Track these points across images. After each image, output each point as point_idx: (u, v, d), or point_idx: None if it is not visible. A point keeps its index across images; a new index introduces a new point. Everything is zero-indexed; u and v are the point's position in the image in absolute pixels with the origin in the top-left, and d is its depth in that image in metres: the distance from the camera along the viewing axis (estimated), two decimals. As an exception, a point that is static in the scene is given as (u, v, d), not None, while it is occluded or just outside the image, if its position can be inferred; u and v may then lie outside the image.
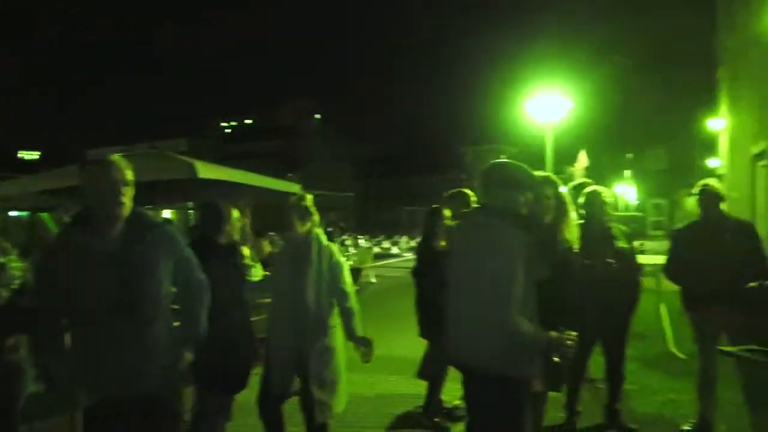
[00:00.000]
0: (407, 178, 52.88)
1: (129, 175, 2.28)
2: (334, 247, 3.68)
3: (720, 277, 3.95)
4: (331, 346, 3.55)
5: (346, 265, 3.73)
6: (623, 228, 4.42)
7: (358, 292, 8.52)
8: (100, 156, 2.41)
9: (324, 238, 3.64)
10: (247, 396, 3.59)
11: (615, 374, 4.40)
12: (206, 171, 6.31)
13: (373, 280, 13.67)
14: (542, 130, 9.51)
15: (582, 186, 4.68)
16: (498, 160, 2.83)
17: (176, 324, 2.48)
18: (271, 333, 3.65)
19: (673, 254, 4.35)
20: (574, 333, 2.53)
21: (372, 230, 34.58)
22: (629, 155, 39.85)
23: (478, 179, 2.75)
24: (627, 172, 40.08)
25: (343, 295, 3.58)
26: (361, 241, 25.77)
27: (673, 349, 6.37)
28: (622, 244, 4.23)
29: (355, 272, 8.82)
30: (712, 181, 4.29)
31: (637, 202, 37.72)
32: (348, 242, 24.33)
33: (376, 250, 22.97)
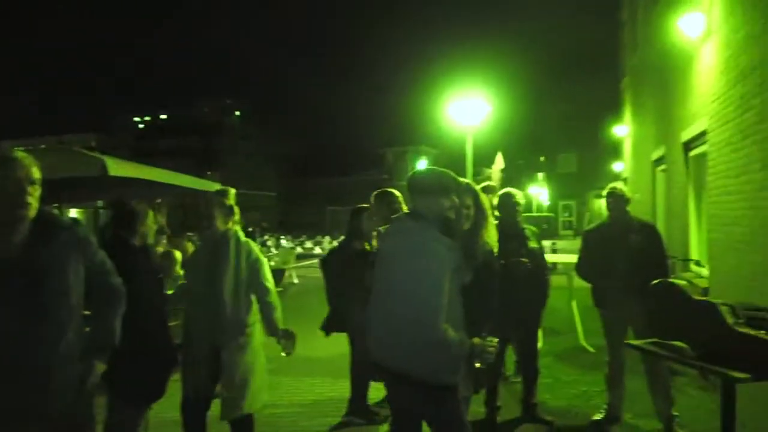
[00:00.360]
0: (330, 177, 52.74)
1: (36, 173, 2.10)
2: (253, 244, 3.61)
3: (626, 274, 4.21)
4: (245, 345, 3.47)
5: (266, 261, 3.67)
6: (534, 229, 4.62)
7: (280, 293, 8.43)
8: (2, 151, 2.21)
9: (242, 235, 3.57)
10: (167, 406, 3.45)
11: (529, 370, 4.58)
12: (118, 168, 6.00)
13: (296, 280, 13.52)
14: (463, 133, 9.78)
15: (488, 189, 4.85)
16: (426, 167, 2.88)
17: (87, 330, 2.33)
18: (186, 333, 3.55)
19: (583, 253, 4.59)
20: (496, 339, 2.62)
21: (294, 230, 34.18)
22: (542, 158, 41.76)
23: (406, 185, 2.78)
24: (540, 175, 41.97)
25: (263, 290, 3.52)
26: (283, 242, 25.39)
27: (584, 344, 6.72)
28: (533, 244, 4.41)
29: (278, 273, 8.69)
30: (619, 185, 4.56)
31: (548, 203, 39.56)
32: (270, 242, 23.91)
33: (299, 250, 22.72)
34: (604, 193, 4.53)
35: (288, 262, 13.64)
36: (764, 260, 3.92)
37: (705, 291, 5.52)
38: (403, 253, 2.58)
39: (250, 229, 29.33)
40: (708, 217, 5.53)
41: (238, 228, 3.58)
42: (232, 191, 3.64)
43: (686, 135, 6.45)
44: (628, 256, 4.26)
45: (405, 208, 3.90)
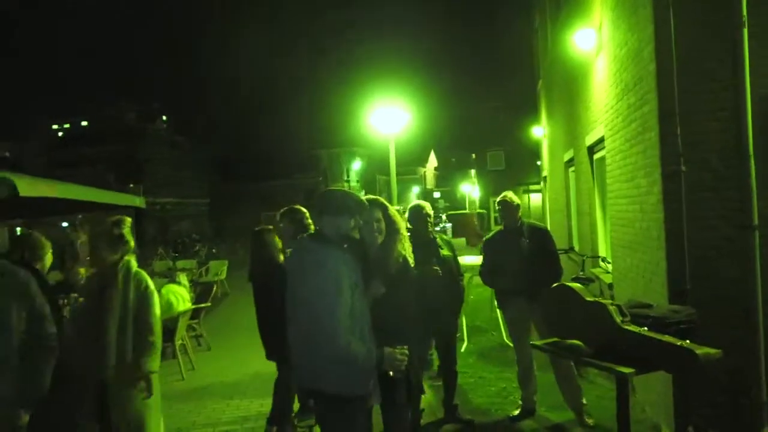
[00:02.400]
0: (264, 181, 51.94)
1: None
2: (145, 276, 3.54)
3: (520, 276, 4.54)
4: (135, 379, 3.37)
5: (155, 294, 3.56)
6: (447, 237, 4.88)
7: (210, 309, 8.33)
8: None
9: (134, 265, 3.50)
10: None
11: (449, 371, 4.80)
12: (29, 188, 5.75)
13: (229, 291, 13.33)
14: (386, 140, 10.01)
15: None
16: (329, 188, 3.02)
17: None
18: (63, 366, 3.44)
19: (485, 259, 4.90)
20: (406, 348, 2.78)
21: (229, 238, 33.50)
22: (473, 156, 42.83)
23: (312, 206, 2.91)
24: (472, 172, 43.04)
25: (145, 326, 3.43)
26: (215, 251, 24.89)
27: (507, 341, 7.05)
28: (446, 252, 4.64)
29: (208, 287, 8.59)
30: (509, 194, 4.89)
31: (479, 199, 40.65)
32: (202, 253, 23.39)
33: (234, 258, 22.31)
34: (497, 202, 4.86)
35: (220, 274, 13.45)
36: (651, 259, 4.29)
37: (610, 286, 5.94)
38: (304, 271, 2.70)
39: (180, 241, 28.53)
40: (609, 218, 5.95)
41: (131, 257, 3.50)
42: (128, 220, 3.56)
43: (590, 140, 6.89)
44: (520, 260, 4.59)
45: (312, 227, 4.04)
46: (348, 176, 48.76)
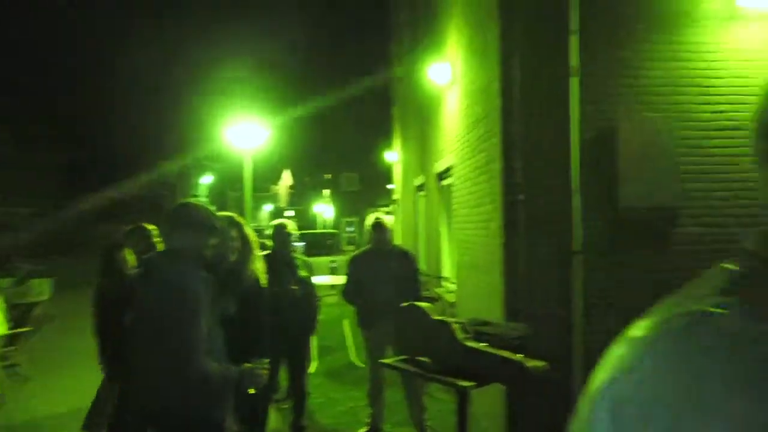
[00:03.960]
0: (105, 192, 47.69)
1: None
2: None
3: (386, 297, 4.64)
4: None
5: None
6: (305, 258, 4.86)
7: (30, 333, 7.37)
8: None
9: None
10: None
11: (299, 392, 4.74)
12: None
13: (56, 313, 11.95)
14: (242, 155, 9.76)
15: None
16: (183, 202, 2.84)
17: None
18: None
19: (349, 277, 4.93)
20: (266, 360, 2.69)
21: (60, 252, 30.16)
22: (328, 176, 43.27)
23: (162, 221, 2.72)
24: (326, 192, 43.44)
25: None
26: (41, 268, 22.22)
27: (355, 360, 7.14)
28: (303, 273, 4.62)
29: (27, 308, 7.62)
30: (381, 215, 5.00)
31: (333, 220, 41.10)
32: (24, 269, 20.76)
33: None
34: (368, 222, 4.94)
35: (42, 293, 12.01)
36: (492, 281, 4.62)
37: (452, 305, 6.29)
38: (157, 290, 2.52)
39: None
40: (455, 241, 6.32)
41: None
42: None
43: (439, 167, 7.31)
44: (388, 281, 4.70)
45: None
46: (197, 190, 46.60)
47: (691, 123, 4.29)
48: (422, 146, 9.03)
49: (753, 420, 0.49)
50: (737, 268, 0.60)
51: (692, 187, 4.23)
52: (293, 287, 4.40)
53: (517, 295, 4.21)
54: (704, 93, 4.31)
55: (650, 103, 4.28)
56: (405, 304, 4.10)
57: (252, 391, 2.69)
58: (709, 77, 4.31)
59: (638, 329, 0.60)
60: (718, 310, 0.55)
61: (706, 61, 4.32)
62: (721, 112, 4.31)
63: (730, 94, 4.31)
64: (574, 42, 4.15)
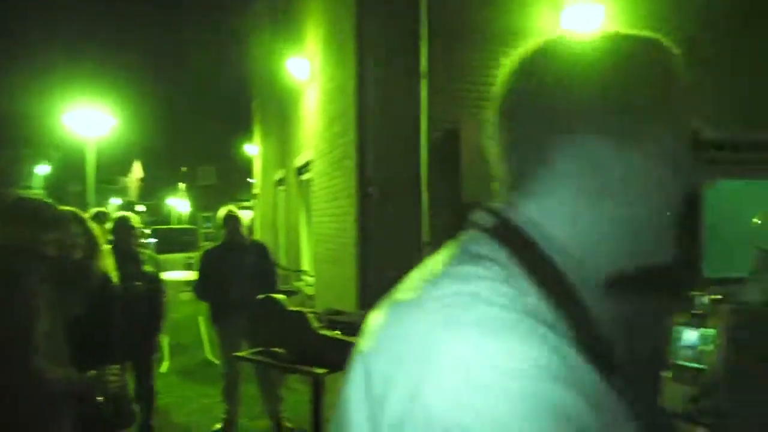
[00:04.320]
0: None
1: None
2: None
3: (240, 291, 4.61)
4: None
5: None
6: (150, 252, 4.67)
7: None
8: None
9: None
10: None
11: (147, 391, 4.55)
12: None
13: None
14: (84, 143, 9.01)
15: (101, 215, 4.80)
16: (21, 196, 2.64)
17: None
18: None
19: (201, 272, 4.83)
20: (116, 366, 2.57)
21: None
22: (184, 169, 41.19)
23: None
24: (181, 186, 41.29)
25: None
26: None
27: (210, 357, 6.97)
28: (148, 267, 4.44)
29: None
30: (234, 208, 4.95)
31: (189, 215, 39.26)
32: None
33: None
34: (221, 215, 4.86)
35: None
36: (347, 273, 4.79)
37: (311, 297, 6.40)
38: None
39: None
40: (313, 235, 6.42)
41: None
42: None
43: (298, 161, 7.36)
44: (243, 275, 4.67)
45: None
46: (31, 182, 41.92)
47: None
48: (282, 140, 9.02)
49: (481, 363, 0.51)
50: (471, 239, 0.68)
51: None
52: (137, 283, 4.21)
53: (370, 285, 4.42)
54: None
55: (490, 107, 4.70)
56: (260, 296, 4.13)
57: (101, 398, 2.56)
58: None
59: (389, 301, 0.66)
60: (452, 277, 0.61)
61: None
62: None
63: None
64: (423, 46, 4.44)
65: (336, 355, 3.74)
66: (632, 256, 0.67)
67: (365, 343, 0.65)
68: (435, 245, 0.74)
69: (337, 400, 0.67)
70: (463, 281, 0.59)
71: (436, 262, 0.67)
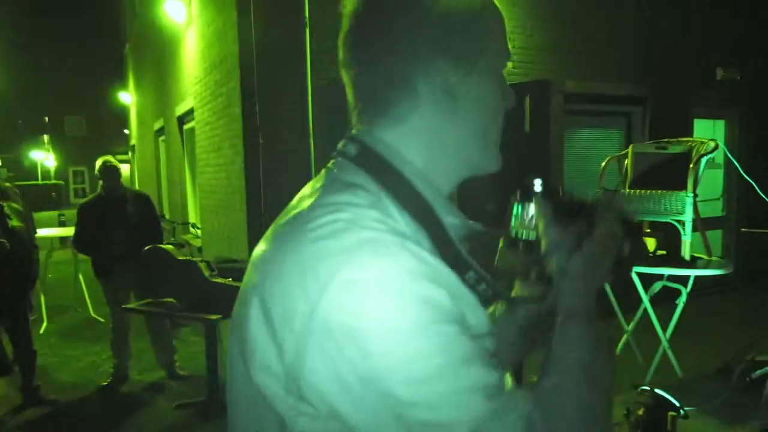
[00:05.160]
0: None
1: None
2: None
3: (123, 243, 4.50)
4: None
5: None
6: (16, 206, 4.37)
7: None
8: None
9: None
10: None
11: (25, 352, 4.38)
12: None
13: None
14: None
15: None
16: None
17: None
18: None
19: (79, 226, 4.64)
20: None
21: None
22: (46, 119, 37.51)
23: None
24: (45, 137, 37.66)
25: None
26: None
27: (94, 315, 6.72)
28: (15, 222, 4.20)
29: None
30: (111, 158, 4.75)
31: (55, 169, 36.11)
32: None
33: None
34: (98, 167, 4.65)
35: None
36: (234, 221, 4.82)
37: (200, 249, 6.33)
38: None
39: None
40: (199, 186, 6.31)
41: None
42: None
43: (179, 110, 7.09)
44: (125, 226, 4.55)
45: None
46: None
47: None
48: (161, 87, 8.57)
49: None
50: (340, 168, 0.77)
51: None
52: (1, 240, 3.98)
53: (261, 233, 4.49)
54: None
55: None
56: (148, 247, 4.07)
57: None
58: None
59: (273, 232, 0.74)
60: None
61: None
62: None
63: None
64: (306, -6, 4.42)
65: (229, 302, 3.82)
66: (471, 168, 0.80)
67: (256, 275, 0.72)
68: (284, 214, 0.79)
69: (232, 334, 0.75)
70: (339, 210, 0.68)
71: (311, 192, 0.75)
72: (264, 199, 4.49)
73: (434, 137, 0.76)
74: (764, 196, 2.92)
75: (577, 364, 0.72)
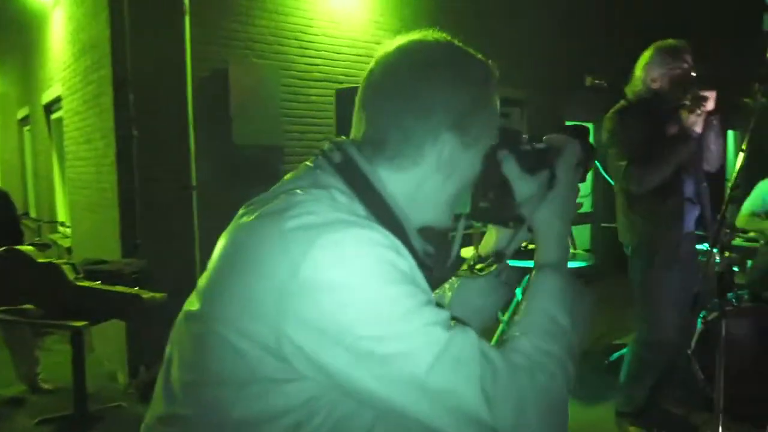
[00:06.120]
0: None
1: None
2: None
3: None
4: None
5: None
6: None
7: None
8: None
9: None
10: None
11: None
12: None
13: None
14: None
15: None
16: None
17: None
18: None
19: None
20: None
21: None
22: None
23: None
24: None
25: None
26: None
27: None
28: None
29: None
30: None
31: None
32: None
33: None
34: None
35: None
36: (107, 219, 4.48)
37: (69, 250, 5.84)
38: None
39: None
40: (67, 180, 5.81)
41: None
42: None
43: (46, 98, 6.49)
44: None
45: None
46: None
47: (292, 72, 4.87)
48: (25, 73, 7.80)
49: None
50: (322, 171, 0.88)
51: (294, 129, 4.86)
52: None
53: (135, 231, 4.21)
54: (302, 46, 4.93)
55: (258, 51, 4.68)
56: (1, 249, 3.68)
57: None
58: (306, 33, 4.94)
59: (259, 220, 0.80)
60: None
61: (305, 18, 4.93)
62: (316, 65, 5.02)
63: (322, 50, 5.04)
64: (186, -20, 4.19)
65: (96, 306, 3.55)
66: (434, 221, 0.93)
67: (233, 247, 0.81)
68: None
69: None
70: (318, 200, 0.80)
71: (287, 187, 0.85)
72: (139, 195, 4.21)
73: (419, 192, 0.89)
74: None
75: (542, 313, 0.84)
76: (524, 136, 0.99)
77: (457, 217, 0.98)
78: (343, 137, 0.92)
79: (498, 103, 0.92)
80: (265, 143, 4.61)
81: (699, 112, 2.76)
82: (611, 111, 3.05)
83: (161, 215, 4.31)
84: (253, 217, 0.81)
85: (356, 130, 0.91)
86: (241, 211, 0.87)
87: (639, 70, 2.97)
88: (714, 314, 3.06)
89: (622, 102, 3.07)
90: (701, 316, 3.28)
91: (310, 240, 0.72)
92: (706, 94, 2.75)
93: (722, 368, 1.71)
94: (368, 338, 0.71)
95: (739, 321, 2.85)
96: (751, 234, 4.12)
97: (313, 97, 4.99)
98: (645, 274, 2.93)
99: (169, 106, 4.30)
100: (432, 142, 0.86)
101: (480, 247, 1.10)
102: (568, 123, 1.26)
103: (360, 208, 0.83)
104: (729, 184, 2.08)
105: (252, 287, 0.74)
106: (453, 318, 0.78)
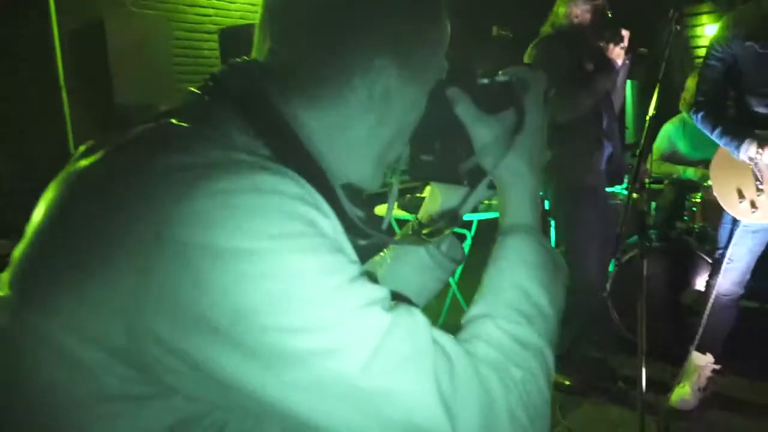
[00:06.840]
0: None
1: None
2: None
3: None
4: None
5: None
6: None
7: None
8: None
9: None
10: None
11: None
12: None
13: None
14: None
15: None
16: None
17: None
18: None
19: None
20: None
21: None
22: None
23: None
24: None
25: None
26: None
27: None
28: None
29: None
30: None
31: None
32: None
33: None
34: None
35: None
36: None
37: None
38: None
39: None
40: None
41: None
42: None
43: None
44: None
45: None
46: None
47: (181, 24, 4.44)
48: None
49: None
50: (220, 108, 0.63)
51: (186, 87, 4.44)
52: None
53: (5, 206, 3.74)
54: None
55: (139, 0, 4.21)
56: None
57: None
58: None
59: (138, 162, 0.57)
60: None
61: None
62: (208, 15, 4.60)
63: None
64: None
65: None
66: (356, 175, 0.70)
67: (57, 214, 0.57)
68: (86, 153, 0.62)
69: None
70: (204, 138, 0.58)
71: (167, 117, 0.62)
72: (16, 168, 3.73)
73: (342, 137, 0.67)
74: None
75: (514, 289, 0.65)
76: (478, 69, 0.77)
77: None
78: (244, 57, 0.68)
79: (449, 28, 0.71)
80: (152, 101, 4.17)
81: (622, 45, 2.77)
82: (533, 42, 2.98)
83: (34, 187, 3.81)
84: (95, 158, 0.58)
85: (258, 50, 0.68)
86: (77, 152, 0.63)
87: (561, 7, 2.94)
88: (629, 255, 3.08)
89: (544, 33, 3.01)
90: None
91: (188, 187, 0.50)
92: (623, 31, 2.79)
93: (644, 309, 1.64)
94: (276, 330, 0.50)
95: (651, 262, 2.87)
96: (654, 175, 4.22)
97: (206, 51, 4.59)
98: (566, 214, 2.91)
99: (36, 64, 3.81)
100: (363, 71, 0.64)
101: (420, 212, 0.86)
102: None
103: (266, 152, 0.60)
104: (645, 125, 2.01)
105: (96, 264, 0.50)
106: (393, 296, 0.58)
